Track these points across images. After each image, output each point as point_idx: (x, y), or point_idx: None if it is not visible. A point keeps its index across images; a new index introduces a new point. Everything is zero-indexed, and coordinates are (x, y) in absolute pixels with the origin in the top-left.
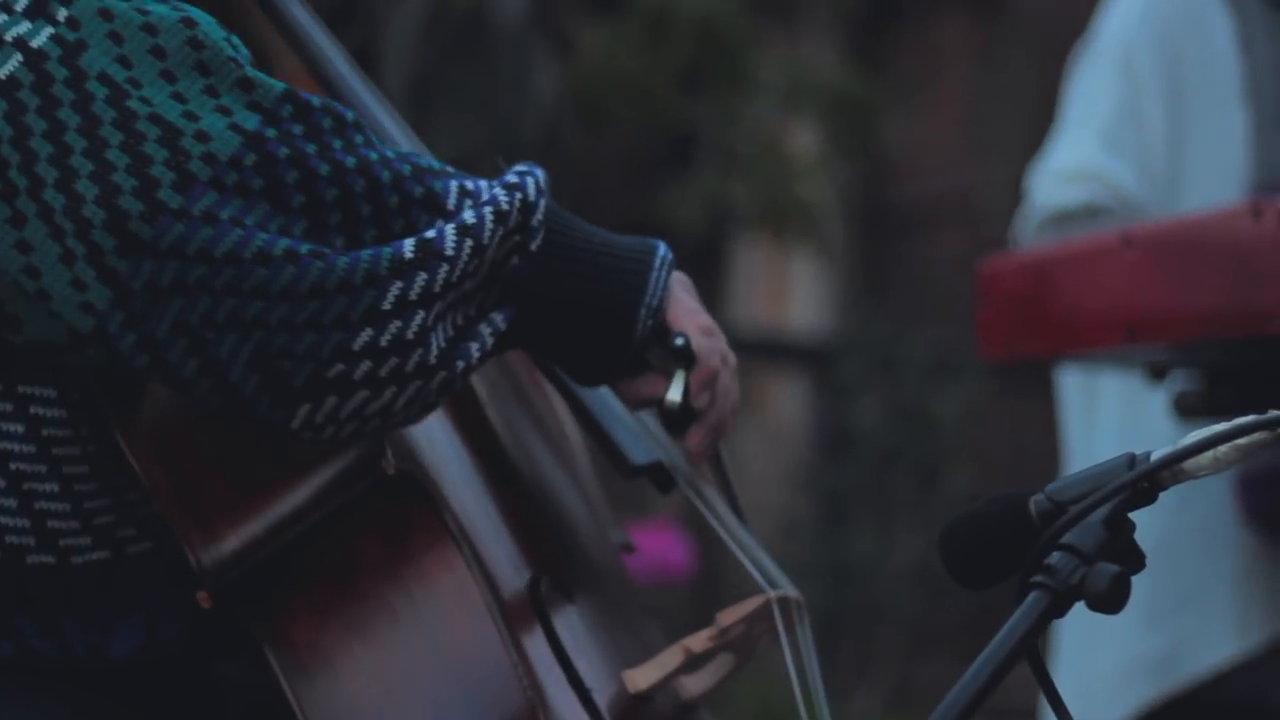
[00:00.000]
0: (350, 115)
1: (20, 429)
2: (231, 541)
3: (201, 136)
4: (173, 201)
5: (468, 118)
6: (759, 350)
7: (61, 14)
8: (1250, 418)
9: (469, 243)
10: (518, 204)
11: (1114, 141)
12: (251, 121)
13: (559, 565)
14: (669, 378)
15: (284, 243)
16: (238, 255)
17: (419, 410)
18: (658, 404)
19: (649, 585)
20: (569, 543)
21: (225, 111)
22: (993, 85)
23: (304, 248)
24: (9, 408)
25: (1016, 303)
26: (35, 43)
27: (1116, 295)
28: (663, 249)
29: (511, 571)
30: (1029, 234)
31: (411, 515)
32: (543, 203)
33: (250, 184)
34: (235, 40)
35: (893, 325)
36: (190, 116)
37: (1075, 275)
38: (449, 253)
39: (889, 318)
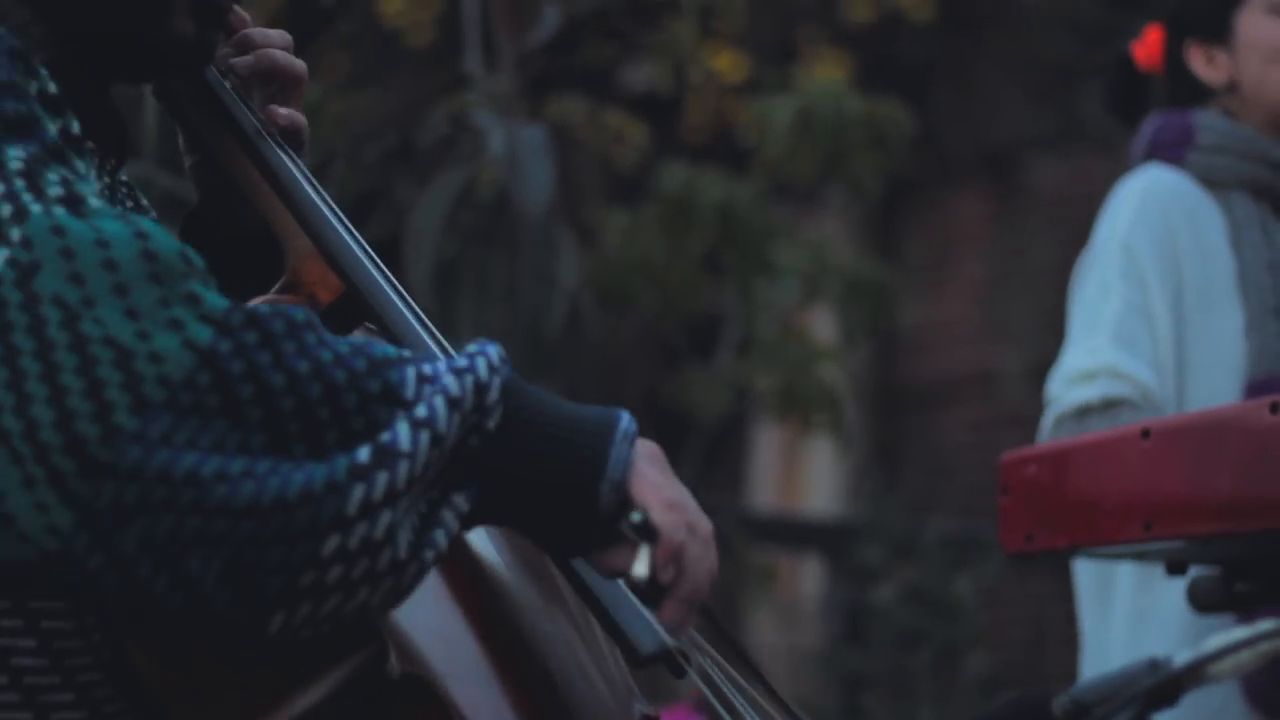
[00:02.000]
0: (300, 315)
1: (32, 644)
2: None
3: (155, 358)
4: (129, 425)
5: (492, 305)
6: (775, 532)
7: (15, 235)
8: (1270, 624)
9: (425, 435)
10: (470, 388)
11: (1125, 339)
12: (205, 335)
13: None
14: (636, 549)
15: (241, 462)
16: (196, 475)
17: (393, 603)
18: (625, 577)
19: None
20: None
21: (178, 326)
22: (1007, 264)
23: (261, 465)
24: (19, 624)
25: (1036, 494)
26: None
27: (1134, 487)
28: (625, 420)
29: None
30: (1050, 435)
31: (419, 714)
32: (497, 381)
33: (206, 403)
34: (189, 252)
35: (910, 506)
36: (143, 336)
37: (1094, 467)
38: (406, 449)
39: (905, 497)
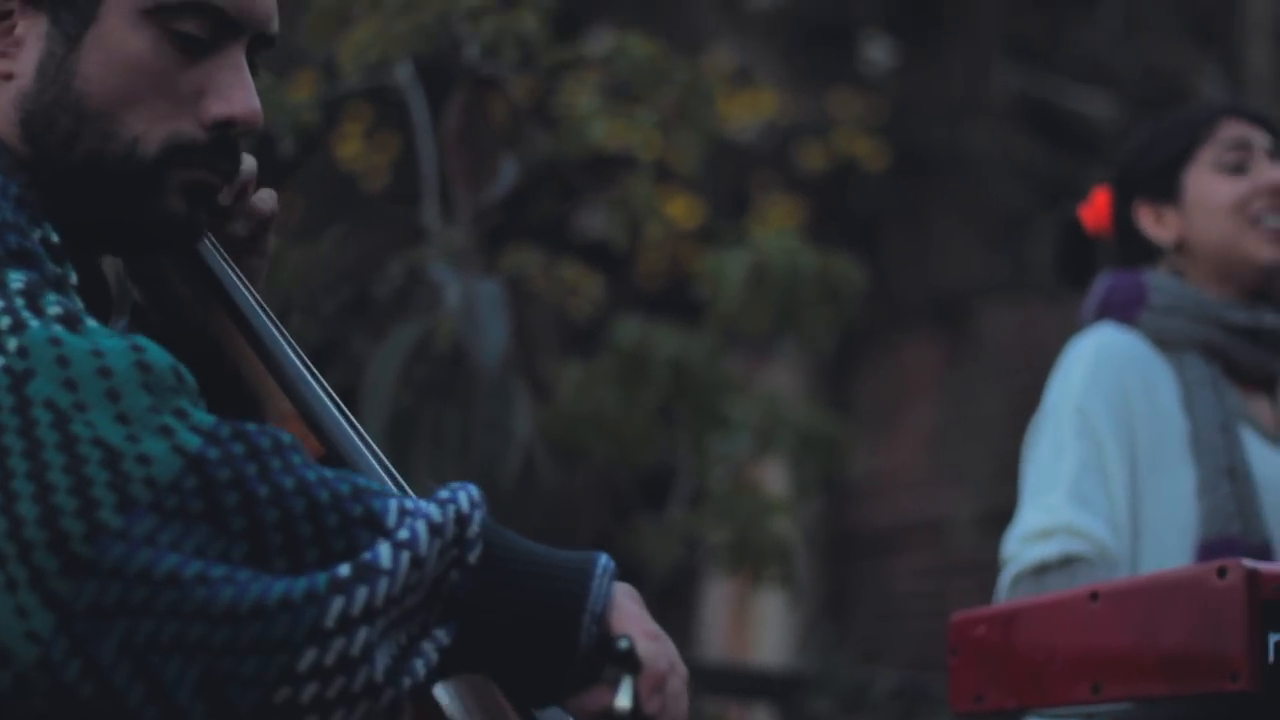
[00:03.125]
0: (287, 438)
1: None
2: None
3: (143, 460)
4: (114, 523)
5: (446, 456)
6: (726, 683)
7: (12, 344)
8: None
9: (406, 555)
10: (452, 517)
11: (1081, 496)
12: (194, 442)
13: None
14: (616, 688)
15: (222, 568)
16: (177, 576)
17: None
18: (608, 714)
19: None
20: None
21: (167, 432)
22: (958, 411)
23: (242, 573)
24: None
25: (985, 655)
26: None
27: (1083, 649)
28: (604, 559)
29: None
30: (1008, 594)
31: None
32: (478, 515)
33: (190, 507)
34: (181, 369)
35: (860, 655)
36: (132, 439)
37: (1043, 628)
38: (386, 567)
39: (856, 645)
